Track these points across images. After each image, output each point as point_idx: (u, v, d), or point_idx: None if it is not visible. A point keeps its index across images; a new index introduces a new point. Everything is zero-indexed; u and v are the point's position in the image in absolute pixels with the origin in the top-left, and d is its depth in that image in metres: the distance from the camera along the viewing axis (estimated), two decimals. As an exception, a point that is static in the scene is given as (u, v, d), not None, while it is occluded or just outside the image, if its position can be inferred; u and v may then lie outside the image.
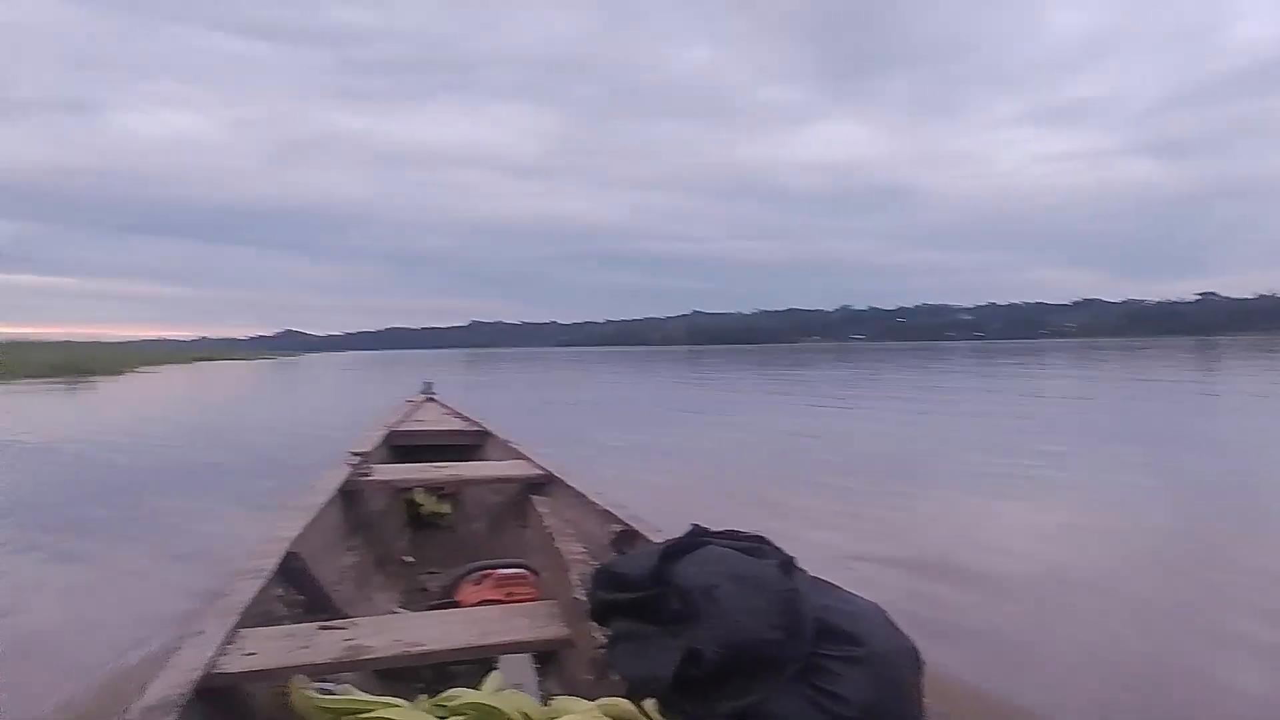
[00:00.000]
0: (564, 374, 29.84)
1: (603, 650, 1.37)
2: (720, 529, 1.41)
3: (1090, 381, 18.23)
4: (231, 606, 1.68)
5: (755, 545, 1.31)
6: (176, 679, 1.35)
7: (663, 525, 2.28)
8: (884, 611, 1.23)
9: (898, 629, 1.18)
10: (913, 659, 1.14)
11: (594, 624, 1.45)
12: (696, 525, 1.41)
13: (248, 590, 1.79)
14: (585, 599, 1.53)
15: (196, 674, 1.37)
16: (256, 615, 1.76)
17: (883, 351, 57.31)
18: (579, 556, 1.79)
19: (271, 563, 1.99)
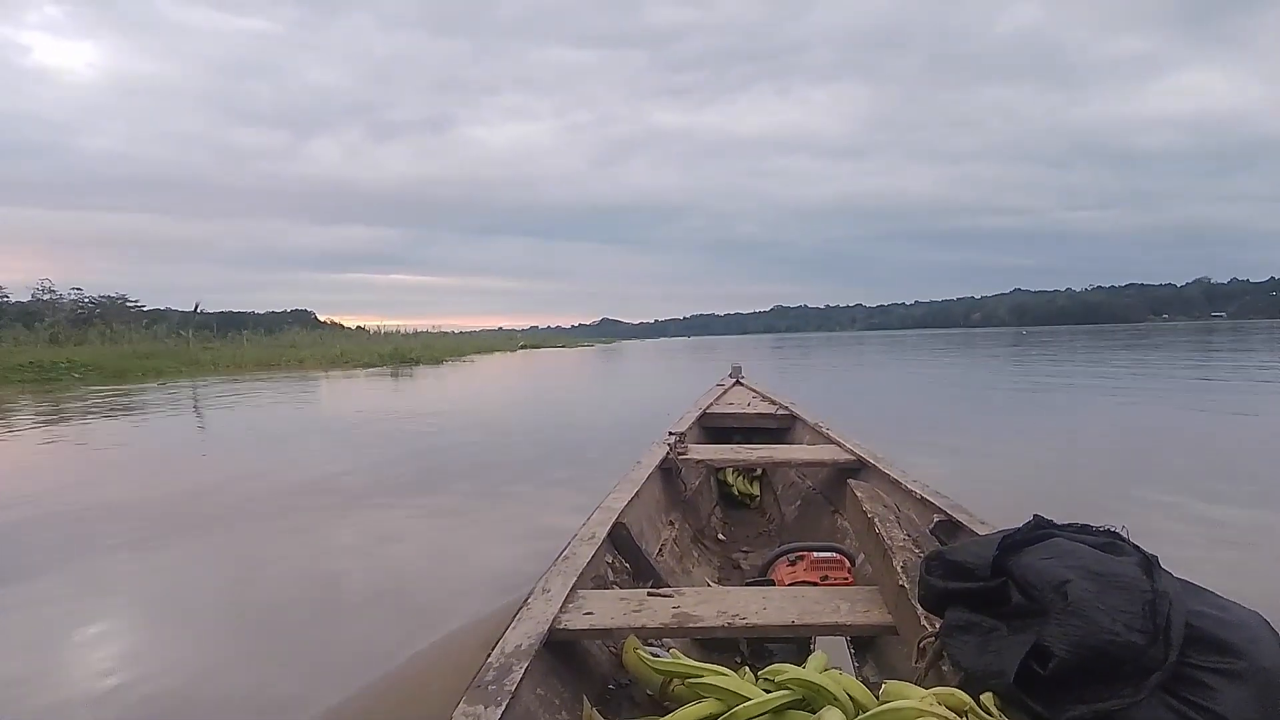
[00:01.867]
0: (870, 356, 28.64)
1: (931, 639, 1.33)
2: (1065, 521, 1.29)
3: None
4: (571, 569, 1.86)
5: (1110, 540, 1.18)
6: (529, 630, 1.52)
7: (988, 516, 2.16)
8: (1268, 623, 1.06)
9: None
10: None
11: (921, 612, 1.41)
12: (1038, 516, 1.31)
13: (583, 555, 1.97)
14: (910, 586, 1.50)
15: (544, 627, 1.53)
16: (592, 578, 1.94)
17: (1256, 330, 47.64)
18: (902, 543, 1.74)
19: (603, 531, 2.18)
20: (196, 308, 38.01)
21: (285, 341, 32.25)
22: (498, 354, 39.61)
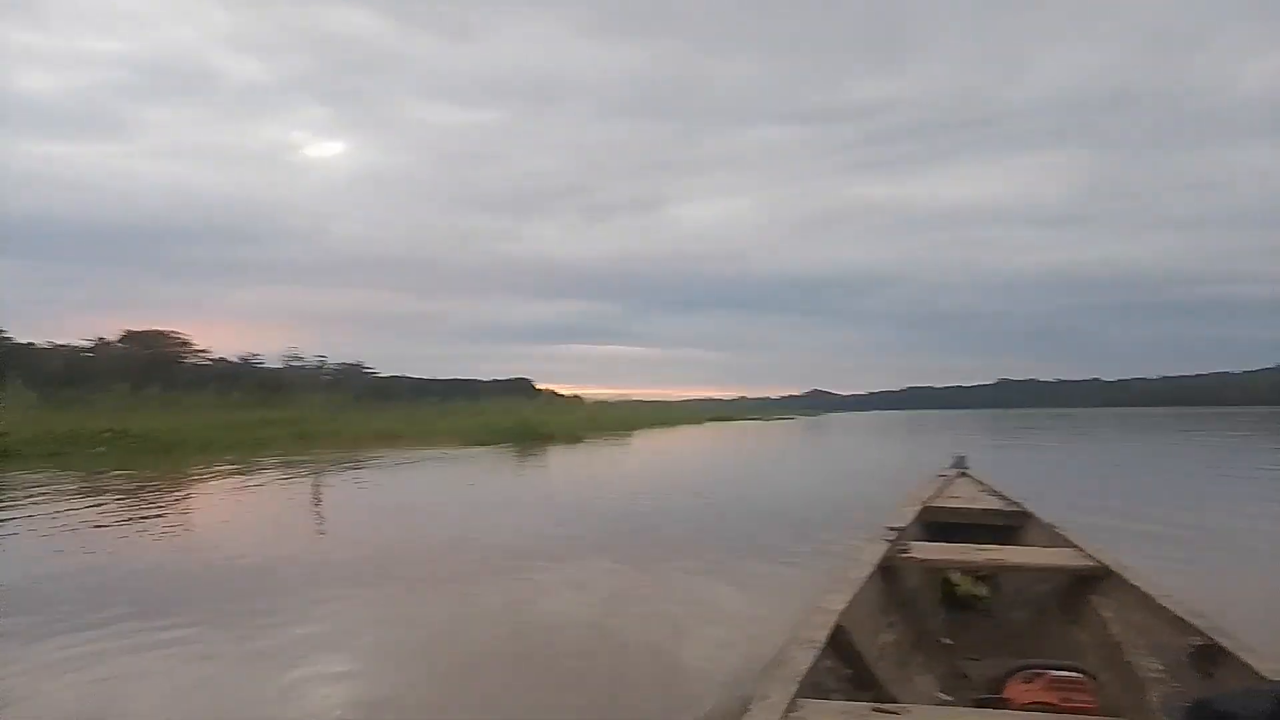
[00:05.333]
0: (1114, 439, 25.54)
1: None
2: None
3: None
4: (790, 674, 1.77)
5: None
6: None
7: (1258, 640, 1.94)
8: None
9: None
10: None
11: None
12: None
13: (802, 660, 1.86)
14: None
15: None
16: (810, 686, 1.83)
17: None
18: (1157, 674, 1.61)
19: (822, 634, 2.06)
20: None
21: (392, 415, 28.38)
22: (683, 427, 36.37)
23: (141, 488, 11.02)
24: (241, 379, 33.92)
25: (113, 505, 9.00)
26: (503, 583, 5.02)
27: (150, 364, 33.92)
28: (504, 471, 14.40)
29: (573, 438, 23.55)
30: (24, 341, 34.01)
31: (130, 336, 38.64)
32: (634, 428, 31.55)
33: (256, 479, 12.16)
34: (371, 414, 27.53)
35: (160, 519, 8.09)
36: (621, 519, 7.88)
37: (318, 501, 9.89)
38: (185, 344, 39.65)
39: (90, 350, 36.42)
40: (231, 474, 12.87)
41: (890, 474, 12.14)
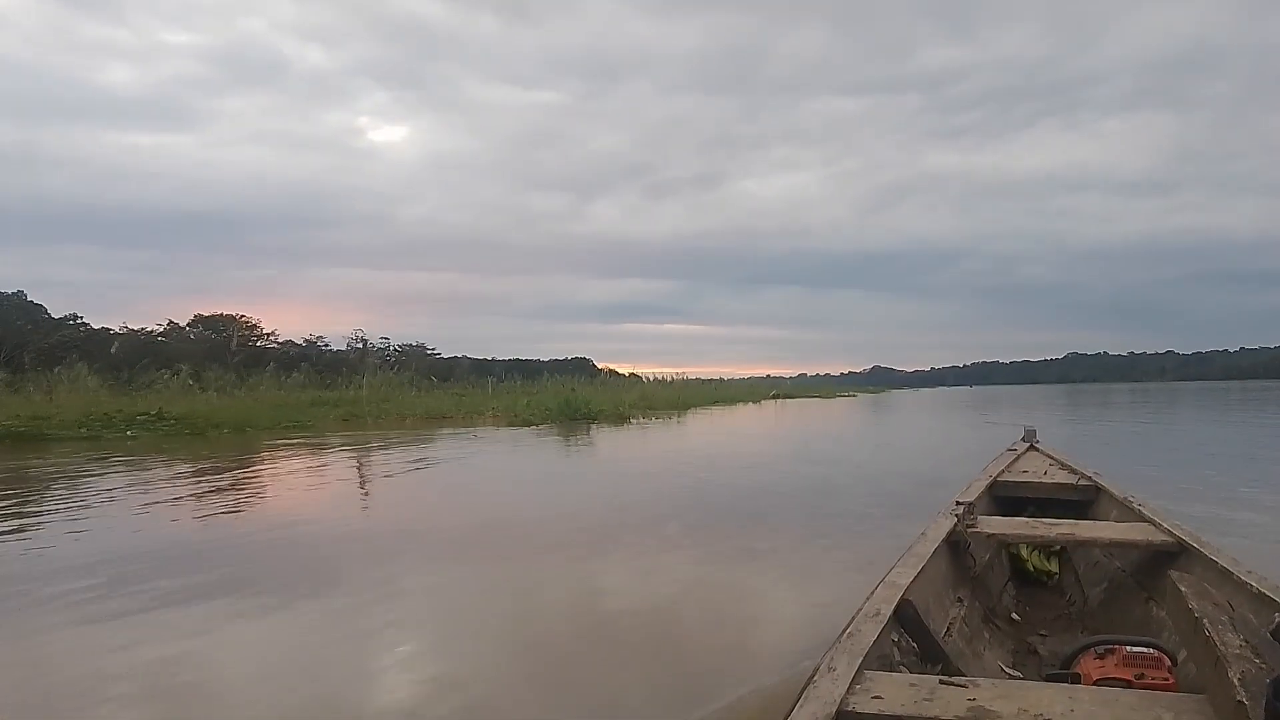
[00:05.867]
0: (1194, 413, 24.32)
1: None
2: None
3: None
4: (856, 647, 1.79)
5: None
6: (816, 711, 1.49)
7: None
8: None
9: None
10: None
11: None
12: None
13: (869, 633, 1.88)
14: (1251, 705, 1.35)
15: (832, 709, 1.49)
16: (877, 658, 1.85)
17: None
18: (1239, 650, 1.56)
19: (888, 608, 2.08)
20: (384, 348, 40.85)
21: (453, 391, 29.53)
22: (744, 405, 35.12)
23: (137, 468, 10.53)
24: (309, 361, 34.82)
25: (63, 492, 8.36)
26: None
27: (215, 347, 35.07)
28: (519, 453, 13.34)
29: (620, 418, 22.53)
30: (99, 326, 35.42)
31: (200, 320, 40.06)
32: (688, 406, 30.34)
33: (269, 462, 11.69)
34: (422, 395, 27.12)
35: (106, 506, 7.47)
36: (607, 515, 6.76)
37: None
38: (253, 327, 40.91)
39: (162, 334, 37.74)
40: (244, 456, 12.40)
41: (956, 452, 11.90)
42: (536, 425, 19.41)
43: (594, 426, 19.61)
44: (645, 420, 22.46)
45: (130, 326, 37.13)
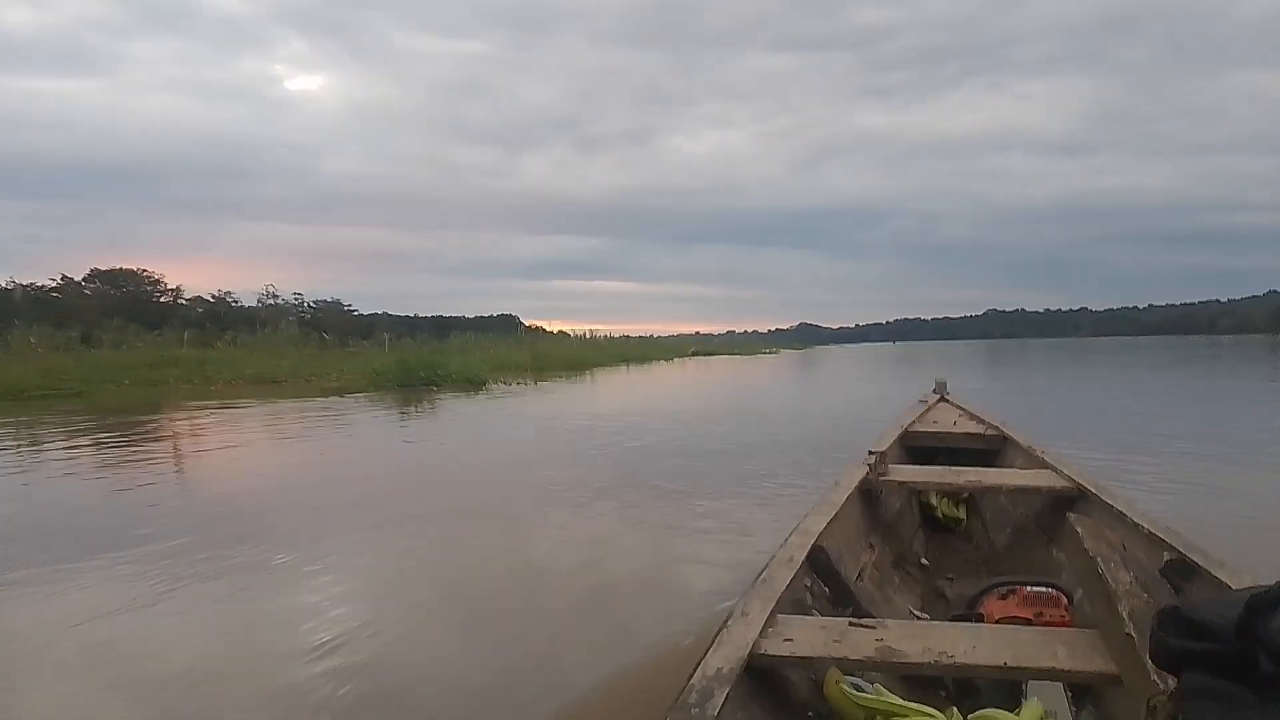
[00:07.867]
0: (1107, 369, 24.66)
1: (1163, 698, 1.22)
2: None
3: None
4: (769, 592, 1.81)
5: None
6: (729, 654, 1.50)
7: (1227, 556, 1.93)
8: None
9: None
10: None
11: (1151, 666, 1.29)
12: None
13: (782, 578, 1.92)
14: (1138, 636, 1.38)
15: (744, 652, 1.52)
16: (790, 603, 1.88)
17: None
18: (1129, 587, 1.60)
19: (801, 554, 2.11)
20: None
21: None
22: (659, 364, 33.30)
23: None
24: (218, 318, 33.47)
25: None
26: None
27: (116, 304, 33.20)
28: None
29: (475, 381, 19.07)
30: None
31: (97, 275, 37.78)
32: (591, 366, 27.70)
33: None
34: (275, 355, 23.63)
35: None
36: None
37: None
38: (156, 283, 38.92)
39: (55, 290, 35.17)
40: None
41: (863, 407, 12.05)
42: (356, 394, 15.96)
43: (434, 395, 15.90)
44: (513, 386, 18.60)
45: (19, 281, 34.41)
